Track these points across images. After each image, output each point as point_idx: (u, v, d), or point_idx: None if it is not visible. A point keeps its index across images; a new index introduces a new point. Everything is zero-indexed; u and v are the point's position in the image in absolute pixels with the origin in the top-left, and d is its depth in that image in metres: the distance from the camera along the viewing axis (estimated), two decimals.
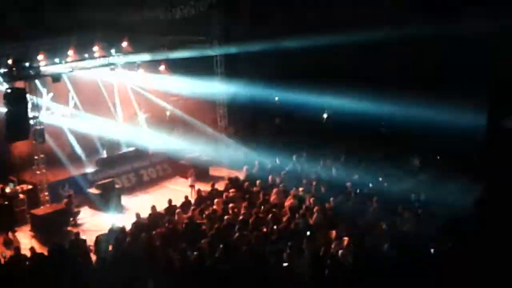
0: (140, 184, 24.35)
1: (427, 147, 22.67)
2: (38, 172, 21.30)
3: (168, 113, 27.12)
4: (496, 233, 15.94)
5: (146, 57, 24.12)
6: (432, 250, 15.89)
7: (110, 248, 17.11)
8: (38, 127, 20.90)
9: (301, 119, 26.42)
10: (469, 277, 14.11)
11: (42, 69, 21.55)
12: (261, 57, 25.97)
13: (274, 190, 20.09)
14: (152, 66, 25.15)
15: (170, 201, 19.80)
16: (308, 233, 17.07)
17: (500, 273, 14.20)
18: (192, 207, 19.45)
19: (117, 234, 17.57)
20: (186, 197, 20.31)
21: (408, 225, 17.41)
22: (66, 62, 22.73)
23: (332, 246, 16.05)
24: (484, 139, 22.36)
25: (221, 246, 15.81)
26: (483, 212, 17.54)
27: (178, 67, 25.14)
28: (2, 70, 20.62)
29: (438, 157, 22.36)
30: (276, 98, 28.20)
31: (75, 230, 19.12)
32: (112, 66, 23.23)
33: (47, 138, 21.72)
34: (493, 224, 16.55)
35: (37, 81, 21.80)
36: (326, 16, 26.81)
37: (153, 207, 19.24)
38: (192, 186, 22.70)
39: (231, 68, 26.84)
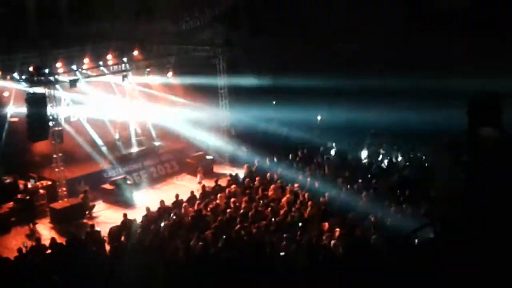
0: (150, 181, 24.31)
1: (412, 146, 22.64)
2: (56, 169, 21.32)
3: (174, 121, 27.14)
4: (476, 227, 15.96)
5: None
6: (416, 241, 15.95)
7: (123, 239, 17.23)
8: (56, 129, 20.97)
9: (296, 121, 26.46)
10: (449, 266, 14.17)
11: (60, 75, 21.66)
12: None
13: (272, 186, 20.06)
14: (160, 72, 25.28)
15: (177, 196, 19.80)
16: (300, 224, 17.22)
17: (479, 264, 14.23)
18: (197, 202, 19.53)
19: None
20: (192, 192, 20.27)
21: (394, 218, 17.49)
22: (82, 69, 22.86)
23: (325, 237, 16.14)
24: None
25: (223, 236, 15.92)
26: (464, 207, 17.52)
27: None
28: (24, 76, 20.78)
29: (424, 157, 22.29)
30: (274, 102, 28.21)
31: (90, 223, 19.23)
32: (124, 73, 23.28)
33: (66, 139, 21.78)
34: (474, 219, 16.55)
35: (58, 86, 21.84)
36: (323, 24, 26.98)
37: (162, 202, 19.27)
38: (200, 183, 22.76)
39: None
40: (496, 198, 17.03)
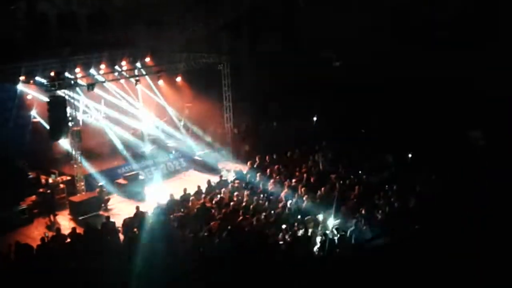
0: (160, 176, 24.10)
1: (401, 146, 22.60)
2: (75, 165, 21.25)
3: (181, 122, 26.92)
4: (454, 220, 16.02)
5: None
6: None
7: (135, 229, 17.16)
8: (75, 129, 20.89)
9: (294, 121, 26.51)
10: (433, 256, 14.21)
11: (79, 79, 21.62)
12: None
13: (271, 181, 20.03)
14: (170, 77, 25.21)
15: (185, 190, 19.71)
16: (299, 216, 17.17)
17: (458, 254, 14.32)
18: (203, 195, 19.49)
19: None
20: (199, 187, 20.14)
21: (383, 211, 17.44)
22: (99, 74, 22.80)
23: (319, 227, 16.12)
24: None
25: (228, 227, 15.88)
26: (444, 202, 17.56)
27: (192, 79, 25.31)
28: (46, 81, 20.73)
29: (410, 155, 22.25)
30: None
31: (106, 214, 19.21)
32: (137, 78, 23.21)
33: (84, 138, 21.70)
34: (452, 212, 16.63)
35: (76, 89, 21.81)
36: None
37: (171, 195, 19.22)
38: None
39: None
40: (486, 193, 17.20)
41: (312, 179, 20.06)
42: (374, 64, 25.28)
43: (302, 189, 18.96)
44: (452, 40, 25.25)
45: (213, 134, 26.33)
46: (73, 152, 21.15)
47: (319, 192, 18.68)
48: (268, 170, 21.24)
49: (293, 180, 19.98)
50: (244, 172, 21.80)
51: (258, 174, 20.81)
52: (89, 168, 22.11)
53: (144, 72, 24.06)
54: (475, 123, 22.83)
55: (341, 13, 26.76)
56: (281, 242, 15.37)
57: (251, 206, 17.71)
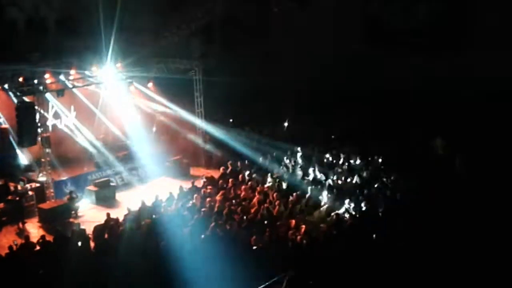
0: (131, 182, 24.07)
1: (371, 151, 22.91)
2: (44, 172, 21.07)
3: (154, 128, 26.74)
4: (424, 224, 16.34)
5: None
6: (374, 236, 16.13)
7: (106, 236, 17.06)
8: (45, 135, 20.74)
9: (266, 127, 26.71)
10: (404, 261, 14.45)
11: (48, 85, 21.40)
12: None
13: (243, 187, 20.03)
14: (142, 83, 25.11)
15: (156, 196, 19.61)
16: (272, 222, 17.28)
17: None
18: (174, 201, 19.46)
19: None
20: (170, 193, 20.09)
21: (354, 215, 17.69)
22: (69, 80, 22.62)
23: (291, 232, 16.26)
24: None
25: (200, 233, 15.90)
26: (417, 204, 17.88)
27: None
28: (15, 87, 20.49)
29: (380, 160, 22.56)
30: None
31: (76, 221, 19.04)
32: (108, 84, 23.06)
33: (54, 144, 21.49)
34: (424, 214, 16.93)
35: (46, 95, 21.59)
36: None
37: (143, 202, 19.09)
38: None
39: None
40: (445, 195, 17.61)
41: (284, 185, 20.16)
42: (346, 70, 25.73)
43: (274, 195, 19.09)
44: (426, 47, 25.88)
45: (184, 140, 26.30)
46: (42, 159, 20.90)
47: (291, 198, 18.85)
48: (240, 176, 21.30)
49: (265, 186, 20.08)
50: (216, 178, 21.85)
51: (230, 180, 20.89)
52: (59, 174, 21.93)
53: (114, 78, 23.90)
54: (441, 129, 23.35)
55: (314, 20, 27.16)
56: (254, 247, 15.43)
57: (224, 212, 17.75)
